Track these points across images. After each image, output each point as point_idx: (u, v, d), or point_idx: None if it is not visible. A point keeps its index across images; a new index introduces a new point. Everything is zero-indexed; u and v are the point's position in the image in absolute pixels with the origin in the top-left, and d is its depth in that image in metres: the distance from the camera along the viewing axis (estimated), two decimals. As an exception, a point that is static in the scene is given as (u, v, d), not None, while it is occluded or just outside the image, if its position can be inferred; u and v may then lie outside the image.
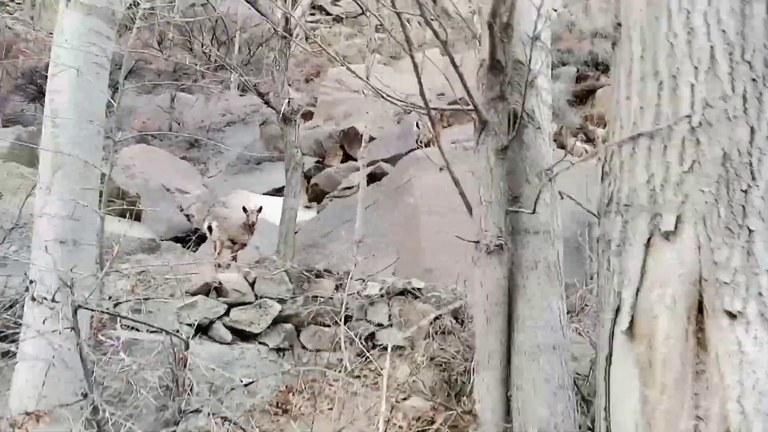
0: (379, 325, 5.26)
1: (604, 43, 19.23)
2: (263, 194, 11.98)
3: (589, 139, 14.52)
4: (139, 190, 9.83)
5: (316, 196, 11.56)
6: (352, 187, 10.25)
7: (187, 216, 10.83)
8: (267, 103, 7.99)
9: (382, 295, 5.26)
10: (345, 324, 5.16)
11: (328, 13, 30.11)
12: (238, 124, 15.59)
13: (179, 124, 14.77)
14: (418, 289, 5.35)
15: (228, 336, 4.73)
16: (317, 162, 13.13)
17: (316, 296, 5.09)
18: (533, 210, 2.58)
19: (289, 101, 7.52)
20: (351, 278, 5.18)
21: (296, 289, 5.10)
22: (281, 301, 4.98)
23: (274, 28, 7.74)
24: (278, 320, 4.93)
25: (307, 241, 8.59)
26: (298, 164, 7.87)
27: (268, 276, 5.02)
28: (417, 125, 10.91)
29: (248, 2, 7.72)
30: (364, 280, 5.47)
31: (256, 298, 4.93)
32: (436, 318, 5.15)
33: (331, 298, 5.15)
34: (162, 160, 12.37)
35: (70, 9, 3.17)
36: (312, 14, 25.31)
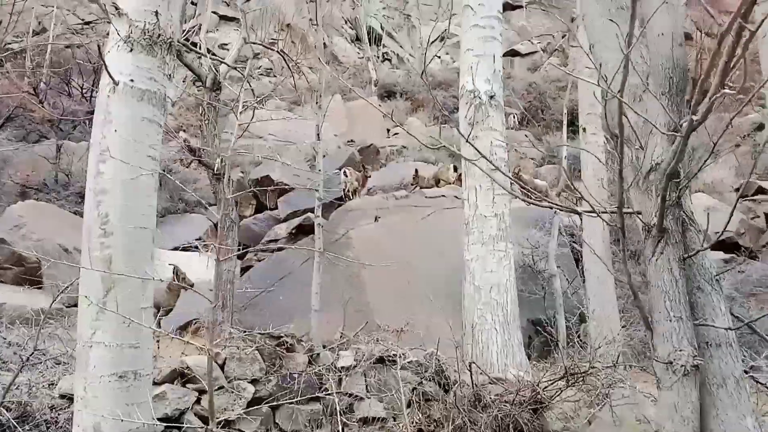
0: (357, 397, 4.93)
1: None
2: (172, 250, 11.17)
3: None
4: (35, 252, 8.77)
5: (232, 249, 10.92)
6: (278, 240, 9.80)
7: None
8: (199, 159, 7.46)
9: (356, 365, 4.95)
10: (321, 399, 4.80)
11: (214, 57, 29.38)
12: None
13: (67, 175, 13.49)
14: (395, 355, 5.09)
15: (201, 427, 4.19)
16: (225, 213, 12.48)
17: (290, 373, 4.68)
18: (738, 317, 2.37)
19: (222, 158, 7.05)
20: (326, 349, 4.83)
21: (269, 367, 4.66)
22: (254, 381, 4.52)
23: (202, 82, 7.29)
24: (252, 403, 4.46)
25: (238, 303, 8.02)
26: (234, 222, 7.38)
27: (238, 355, 4.54)
28: (345, 173, 10.72)
29: (179, 59, 7.22)
30: (334, 350, 5.14)
31: (228, 381, 4.44)
32: (417, 385, 4.93)
33: (303, 373, 4.76)
34: (54, 216, 11.16)
35: (120, 94, 2.70)
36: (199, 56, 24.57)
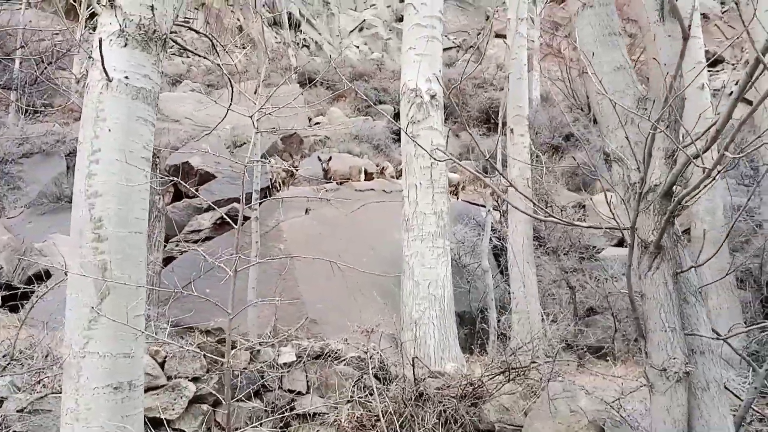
0: (298, 393, 4.92)
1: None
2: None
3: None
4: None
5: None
6: (201, 230, 9.50)
7: (-4, 267, 9.09)
8: None
9: (298, 361, 4.93)
10: (261, 396, 4.76)
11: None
12: (37, 155, 13.56)
13: (-39, 154, 12.42)
14: (335, 351, 5.11)
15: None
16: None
17: (232, 371, 4.59)
18: (715, 331, 2.53)
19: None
20: (268, 345, 4.78)
21: (210, 365, 4.55)
22: (195, 379, 4.40)
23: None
24: (193, 401, 4.35)
25: (162, 296, 7.73)
26: (161, 212, 7.10)
27: (181, 353, 4.41)
28: (271, 163, 10.52)
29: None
30: (274, 346, 5.09)
31: (168, 380, 4.29)
32: (358, 379, 4.98)
33: (245, 370, 4.70)
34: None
35: (114, 91, 2.49)
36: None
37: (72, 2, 20.67)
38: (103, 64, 2.55)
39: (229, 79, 4.59)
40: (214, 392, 4.39)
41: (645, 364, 2.62)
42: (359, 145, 14.61)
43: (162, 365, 4.35)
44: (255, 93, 7.72)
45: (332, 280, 7.68)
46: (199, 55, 5.92)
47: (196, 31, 13.73)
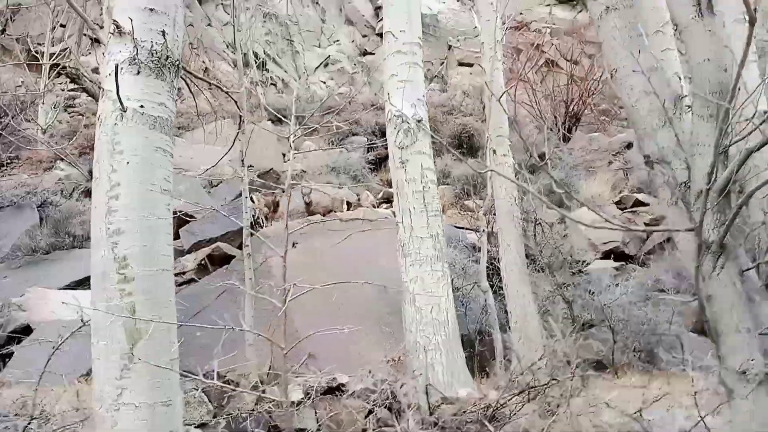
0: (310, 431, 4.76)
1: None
2: (61, 289, 10.26)
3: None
4: None
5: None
6: (185, 272, 9.30)
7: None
8: None
9: (306, 398, 4.78)
10: (270, 437, 4.59)
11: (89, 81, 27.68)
12: (8, 208, 13.21)
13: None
14: (344, 384, 4.98)
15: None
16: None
17: (240, 414, 4.42)
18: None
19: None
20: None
21: (217, 410, 4.38)
22: (203, 426, 4.23)
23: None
24: (202, 449, 4.17)
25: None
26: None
27: (186, 399, 4.23)
28: (251, 200, 10.40)
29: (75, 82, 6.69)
30: (280, 384, 4.92)
31: (174, 428, 4.10)
32: (369, 412, 4.84)
33: (254, 412, 4.53)
34: None
35: (130, 122, 2.38)
36: (63, 83, 23.02)
37: (34, 53, 20.46)
38: (118, 93, 2.46)
39: (200, 120, 4.51)
40: (222, 438, 4.22)
41: (719, 368, 2.54)
42: (337, 177, 14.60)
43: (167, 413, 4.16)
44: (239, 128, 7.64)
45: (327, 311, 7.56)
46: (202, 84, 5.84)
47: (189, 71, 13.59)
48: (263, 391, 4.73)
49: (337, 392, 4.92)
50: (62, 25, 22.66)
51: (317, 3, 37.93)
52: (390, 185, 16.56)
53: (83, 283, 10.14)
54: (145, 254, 2.47)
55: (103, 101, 2.57)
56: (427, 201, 5.54)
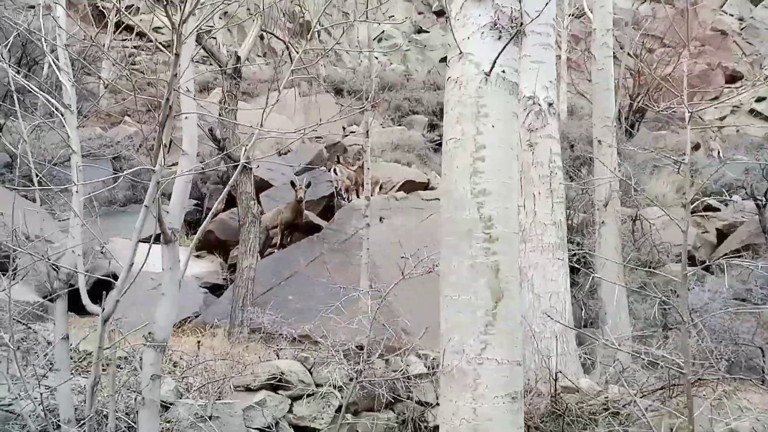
0: (427, 404, 4.80)
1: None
2: (140, 242, 10.44)
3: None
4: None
5: (210, 244, 10.28)
6: (273, 237, 9.40)
7: (56, 270, 8.93)
8: (223, 149, 6.99)
9: (429, 373, 4.82)
10: (392, 407, 4.65)
11: (149, 40, 27.90)
12: (84, 158, 13.44)
13: (11, 157, 12.33)
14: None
15: (293, 437, 3.92)
16: (195, 205, 11.80)
17: (371, 380, 4.47)
18: None
19: (245, 148, 6.62)
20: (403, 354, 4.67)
21: (354, 374, 4.43)
22: (341, 388, 4.29)
23: (222, 69, 6.85)
24: (338, 410, 4.23)
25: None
26: (255, 217, 6.98)
27: (326, 360, 4.29)
28: (334, 171, 10.41)
29: (198, 42, 6.73)
30: (399, 354, 4.97)
31: (317, 387, 4.18)
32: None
33: (385, 379, 4.57)
34: (6, 200, 10.14)
35: (494, 86, 2.41)
36: (125, 39, 23.23)
37: (101, 9, 20.66)
38: (495, 61, 2.47)
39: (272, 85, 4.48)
40: (359, 401, 4.28)
41: None
42: (404, 155, 14.54)
43: (311, 372, 4.23)
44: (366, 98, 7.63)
45: (416, 290, 7.58)
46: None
47: (276, 37, 13.49)
48: (387, 361, 4.77)
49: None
50: (126, -17, 22.84)
51: (376, -23, 37.57)
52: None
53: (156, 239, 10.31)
54: (505, 216, 2.49)
55: (463, 64, 2.58)
56: (553, 187, 5.48)
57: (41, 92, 3.20)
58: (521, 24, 2.60)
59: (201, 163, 6.90)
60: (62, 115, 3.21)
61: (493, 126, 2.50)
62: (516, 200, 2.62)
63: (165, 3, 1.66)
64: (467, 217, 2.46)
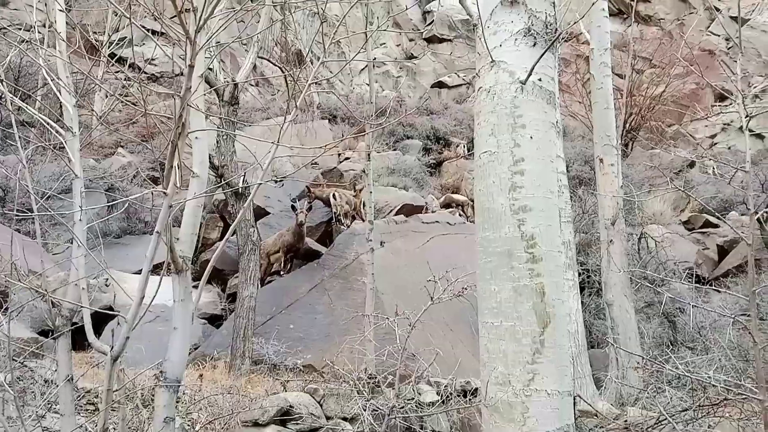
0: (442, 434, 4.63)
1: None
2: (136, 273, 10.26)
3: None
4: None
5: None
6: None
7: (53, 304, 8.72)
8: (221, 176, 6.87)
9: (443, 401, 4.65)
10: (405, 437, 4.47)
11: (141, 71, 27.96)
12: (77, 190, 13.29)
13: (4, 190, 12.20)
14: (476, 389, 4.84)
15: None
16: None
17: (385, 410, 4.29)
18: None
19: (244, 174, 6.54)
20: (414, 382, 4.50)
21: (364, 404, 4.26)
22: (352, 420, 4.12)
23: (218, 95, 6.77)
24: (350, 445, 4.06)
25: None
26: (255, 245, 6.83)
27: (336, 391, 4.13)
28: (333, 196, 10.28)
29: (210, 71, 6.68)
30: (409, 382, 4.81)
31: (327, 420, 4.01)
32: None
33: (396, 409, 4.39)
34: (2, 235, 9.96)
35: (530, 95, 2.31)
36: (118, 71, 23.25)
37: (94, 41, 20.69)
38: (532, 70, 2.37)
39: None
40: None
41: None
42: (400, 179, 14.47)
43: (321, 404, 4.06)
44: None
45: (418, 313, 7.43)
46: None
47: (273, 63, 13.54)
48: (399, 390, 4.60)
49: (469, 396, 4.77)
50: (115, 14, 22.97)
51: (365, 5, 38.04)
52: (448, 190, 16.37)
53: (157, 269, 10.14)
54: (548, 233, 2.36)
55: (496, 72, 2.47)
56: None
57: (41, 115, 3.08)
58: (556, 30, 2.51)
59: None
60: (63, 138, 3.09)
61: (531, 137, 2.39)
62: (557, 217, 2.50)
63: (180, 11, 1.56)
64: (507, 235, 2.33)
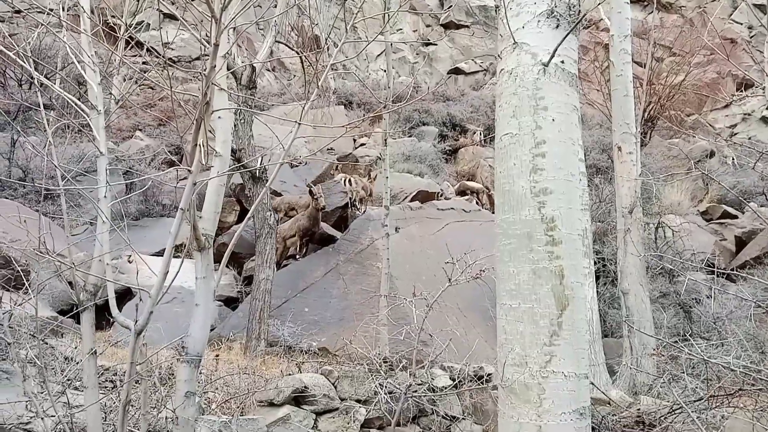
0: (453, 418, 4.65)
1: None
2: (153, 255, 10.38)
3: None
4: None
5: (223, 257, 10.16)
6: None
7: (70, 284, 8.87)
8: (238, 160, 6.90)
9: (454, 385, 4.67)
10: (418, 420, 4.50)
11: (158, 55, 28.07)
12: (95, 172, 13.44)
13: (24, 171, 12.35)
14: (490, 374, 4.85)
15: (318, 454, 3.79)
16: (206, 218, 11.72)
17: (399, 393, 4.33)
18: None
19: (261, 158, 6.57)
20: (425, 367, 4.53)
21: (378, 387, 4.29)
22: (366, 402, 4.16)
23: (236, 79, 6.78)
24: (364, 425, 4.10)
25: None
26: (272, 228, 6.88)
27: (350, 373, 4.17)
28: (349, 182, 10.30)
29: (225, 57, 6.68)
30: (423, 366, 4.83)
31: (341, 401, 4.05)
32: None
33: (409, 392, 4.43)
34: (20, 215, 10.10)
35: (552, 77, 2.31)
36: (136, 55, 23.37)
37: (112, 25, 20.78)
38: (555, 51, 2.36)
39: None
40: (384, 415, 4.14)
41: None
42: (415, 165, 14.44)
43: (335, 386, 4.10)
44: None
45: (431, 298, 7.45)
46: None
47: (290, 47, 13.54)
48: (413, 374, 4.63)
49: (482, 381, 4.79)
50: (137, -2, 23.04)
51: (383, -10, 37.76)
52: (464, 177, 16.30)
53: (177, 250, 10.25)
54: (568, 216, 2.37)
55: (518, 54, 2.47)
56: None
57: (66, 93, 3.11)
58: (579, 12, 2.50)
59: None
60: (88, 116, 3.12)
61: (553, 119, 2.38)
62: (578, 200, 2.50)
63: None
64: (527, 218, 2.34)
